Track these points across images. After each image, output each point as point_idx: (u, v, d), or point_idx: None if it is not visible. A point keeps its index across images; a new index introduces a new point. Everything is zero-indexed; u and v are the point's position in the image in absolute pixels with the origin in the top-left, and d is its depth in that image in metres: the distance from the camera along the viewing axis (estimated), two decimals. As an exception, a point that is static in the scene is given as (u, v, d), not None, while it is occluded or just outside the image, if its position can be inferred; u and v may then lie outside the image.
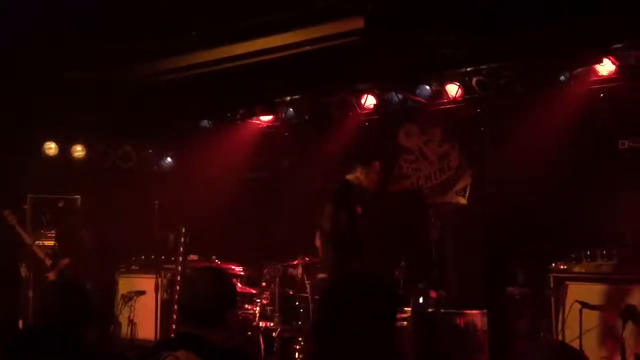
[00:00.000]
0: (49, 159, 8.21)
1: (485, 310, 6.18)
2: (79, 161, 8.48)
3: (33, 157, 7.89)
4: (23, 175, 7.46)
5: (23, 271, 6.90)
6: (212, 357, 2.61)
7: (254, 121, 8.71)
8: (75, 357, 2.64)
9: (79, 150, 8.46)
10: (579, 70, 6.56)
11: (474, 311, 6.18)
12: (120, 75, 7.01)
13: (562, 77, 6.66)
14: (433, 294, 6.57)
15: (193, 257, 7.16)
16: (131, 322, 7.52)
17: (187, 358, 2.59)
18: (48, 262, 6.81)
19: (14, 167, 7.32)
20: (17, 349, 2.53)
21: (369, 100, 7.81)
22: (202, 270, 3.50)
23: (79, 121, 8.03)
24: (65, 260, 6.83)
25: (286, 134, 8.69)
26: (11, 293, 6.87)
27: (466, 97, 7.20)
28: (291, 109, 8.30)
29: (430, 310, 6.35)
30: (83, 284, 3.11)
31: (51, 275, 6.67)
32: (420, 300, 6.34)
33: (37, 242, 7.15)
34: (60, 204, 7.28)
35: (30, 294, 6.73)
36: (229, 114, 8.65)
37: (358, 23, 5.41)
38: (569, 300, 5.69)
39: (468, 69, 7.01)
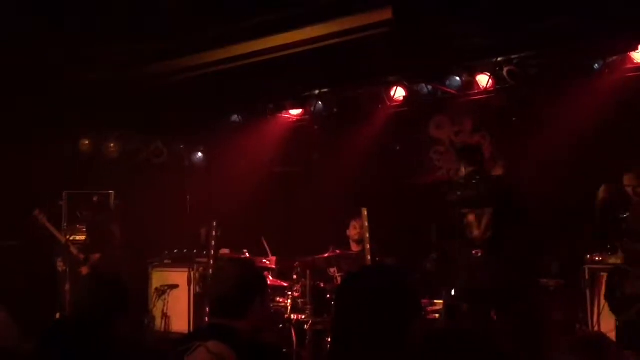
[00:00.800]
0: (83, 155, 8.36)
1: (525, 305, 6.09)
2: (112, 157, 8.61)
3: (68, 154, 8.04)
4: (58, 172, 7.60)
5: (59, 265, 7.04)
6: (241, 347, 2.63)
7: (283, 115, 8.73)
8: (107, 348, 2.69)
9: (112, 147, 8.60)
10: (614, 58, 6.42)
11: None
12: (151, 71, 7.08)
13: (595, 66, 6.54)
14: (465, 286, 6.52)
15: (225, 250, 7.21)
16: (165, 315, 7.63)
17: (217, 348, 2.62)
18: (81, 257, 6.95)
19: (49, 164, 7.46)
20: (50, 339, 2.58)
21: (399, 92, 7.77)
22: (228, 261, 3.53)
23: (112, 118, 8.17)
24: (97, 255, 6.97)
25: (315, 127, 8.69)
26: (48, 287, 7.01)
27: (497, 87, 7.12)
28: (320, 103, 8.30)
29: (461, 302, 6.30)
30: (116, 277, 3.16)
31: (84, 270, 6.81)
32: (452, 292, 6.29)
33: (72, 237, 7.29)
34: (94, 199, 7.40)
35: (67, 287, 6.87)
36: (258, 109, 8.69)
37: (387, 14, 5.37)
38: (604, 292, 5.60)
39: (499, 59, 6.93)
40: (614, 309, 5.44)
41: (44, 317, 6.48)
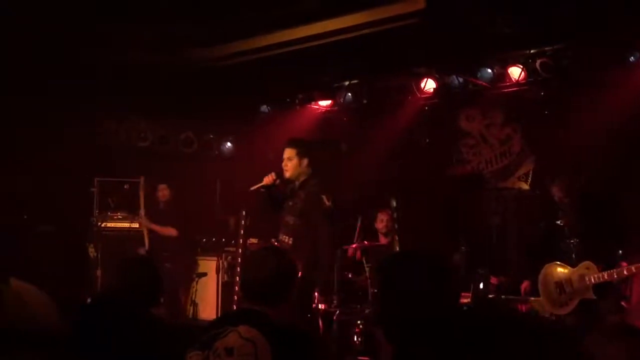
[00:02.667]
0: (114, 143, 8.46)
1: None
2: (143, 146, 8.71)
3: (99, 141, 8.14)
4: (90, 158, 7.71)
5: (91, 251, 7.15)
6: (272, 332, 2.65)
7: (312, 106, 8.73)
8: (143, 330, 2.73)
9: (143, 135, 8.69)
10: (649, 49, 6.30)
11: (536, 297, 6.04)
12: (181, 60, 7.13)
13: (631, 58, 6.41)
14: (494, 279, 6.48)
15: (253, 240, 7.25)
16: (193, 302, 7.71)
17: (248, 333, 2.64)
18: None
19: (81, 150, 7.57)
20: (88, 319, 2.63)
21: (429, 84, 7.71)
22: (266, 249, 3.57)
23: (143, 107, 8.25)
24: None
25: (344, 118, 8.68)
26: (79, 272, 7.13)
27: (529, 79, 7.02)
28: (349, 94, 8.27)
29: (490, 296, 6.26)
30: (151, 261, 3.20)
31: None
32: (481, 286, 6.26)
33: (103, 223, 7.40)
34: (125, 187, 7.50)
35: (99, 272, 6.98)
36: (287, 99, 8.71)
37: (419, 4, 5.34)
38: (636, 289, 5.51)
39: (532, 51, 6.84)
40: None
41: (75, 302, 6.60)
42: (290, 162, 5.35)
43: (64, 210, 7.24)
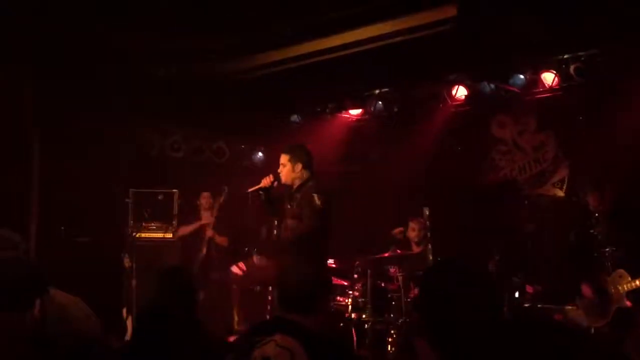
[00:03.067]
0: (148, 154, 8.58)
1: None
2: (177, 157, 8.82)
3: (134, 153, 8.26)
4: (125, 170, 7.82)
5: (126, 262, 7.23)
6: (308, 341, 2.65)
7: (343, 115, 8.74)
8: (192, 340, 2.75)
9: (176, 146, 8.80)
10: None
11: (573, 306, 5.94)
12: (213, 71, 7.21)
13: (668, 62, 6.29)
14: (529, 288, 6.39)
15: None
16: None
17: (285, 342, 2.65)
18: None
19: (117, 163, 7.69)
20: (142, 331, 2.64)
21: (460, 91, 7.67)
22: (300, 258, 3.58)
23: (177, 118, 8.36)
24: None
25: (375, 127, 8.66)
26: (115, 282, 7.21)
27: (563, 85, 6.94)
28: (380, 102, 8.27)
29: (526, 305, 6.17)
30: (188, 270, 3.24)
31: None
32: (516, 294, 6.17)
33: (138, 234, 7.48)
34: (159, 198, 7.58)
35: (134, 283, 7.04)
36: (318, 109, 8.73)
37: (451, 11, 5.31)
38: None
39: (565, 56, 6.76)
40: None
41: (111, 312, 6.69)
42: (284, 168, 5.46)
43: (100, 222, 7.35)
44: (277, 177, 5.47)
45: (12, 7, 5.57)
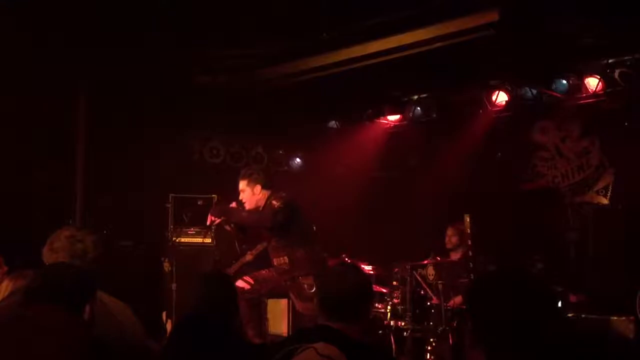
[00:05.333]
0: (189, 159, 8.67)
1: (632, 317, 5.78)
2: (216, 162, 8.89)
3: (174, 158, 8.35)
4: (166, 174, 7.91)
5: (166, 266, 7.30)
6: (350, 350, 2.62)
7: (381, 121, 8.70)
8: (230, 347, 2.76)
9: (216, 152, 8.88)
10: None
11: (619, 317, 5.79)
12: (252, 77, 7.25)
13: None
14: (572, 298, 6.26)
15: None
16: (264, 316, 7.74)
17: (326, 350, 2.62)
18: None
19: (158, 167, 7.79)
20: (179, 337, 2.67)
21: (501, 97, 7.56)
22: (344, 265, 3.56)
23: (216, 124, 8.44)
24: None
25: (414, 132, 8.60)
26: (155, 287, 7.29)
27: (608, 90, 6.79)
28: (419, 108, 8.21)
29: (570, 315, 6.04)
30: (228, 277, 3.24)
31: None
32: (559, 304, 6.04)
33: (178, 239, 7.55)
34: (199, 203, 7.63)
35: (174, 287, 7.11)
36: (356, 114, 8.71)
37: (492, 16, 5.24)
38: None
39: (610, 61, 6.61)
40: None
41: (151, 316, 6.76)
42: (245, 194, 5.52)
43: (141, 226, 7.44)
44: (241, 204, 5.50)
45: (62, 19, 5.71)
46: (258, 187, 5.49)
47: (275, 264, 5.62)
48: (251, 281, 5.54)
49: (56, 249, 2.81)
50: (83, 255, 2.79)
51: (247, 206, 5.54)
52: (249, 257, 6.84)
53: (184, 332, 2.62)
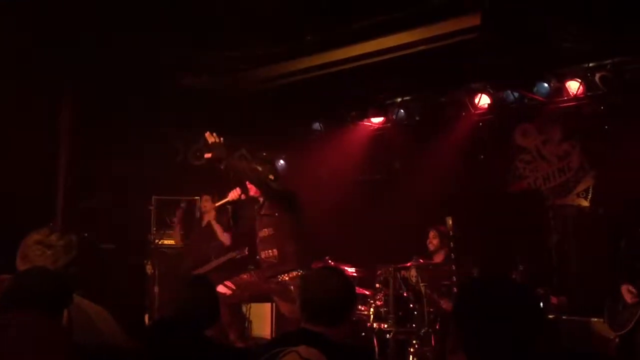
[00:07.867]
0: (171, 162, 8.63)
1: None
2: (198, 164, 8.85)
3: (158, 160, 8.31)
4: (148, 177, 7.88)
5: (148, 268, 7.27)
6: (333, 352, 2.63)
7: (365, 123, 8.72)
8: (206, 351, 2.75)
9: (198, 153, 8.84)
10: None
11: (600, 319, 5.85)
12: (235, 80, 7.25)
13: (697, 70, 6.21)
14: (554, 299, 6.31)
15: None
16: (247, 320, 7.73)
17: (308, 353, 2.62)
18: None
19: (141, 170, 7.76)
20: (154, 339, 2.66)
21: (483, 100, 7.63)
22: (327, 268, 3.56)
23: (197, 125, 8.39)
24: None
25: (397, 135, 8.63)
26: (138, 289, 7.26)
27: (588, 94, 6.87)
28: (402, 110, 8.25)
29: (551, 316, 6.09)
30: (209, 280, 3.23)
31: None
32: (541, 306, 6.09)
33: (160, 241, 7.50)
34: (182, 205, 7.61)
35: (156, 290, 7.08)
36: (340, 117, 8.73)
37: (475, 20, 5.29)
38: None
39: (591, 65, 6.69)
40: None
41: (133, 319, 6.72)
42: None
43: (123, 228, 7.40)
44: (244, 190, 5.51)
45: (48, 19, 5.67)
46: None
47: (262, 257, 5.54)
48: (233, 286, 5.50)
49: (25, 257, 2.76)
50: (54, 262, 2.74)
51: (251, 192, 5.52)
52: (214, 264, 6.82)
53: (160, 335, 2.61)
